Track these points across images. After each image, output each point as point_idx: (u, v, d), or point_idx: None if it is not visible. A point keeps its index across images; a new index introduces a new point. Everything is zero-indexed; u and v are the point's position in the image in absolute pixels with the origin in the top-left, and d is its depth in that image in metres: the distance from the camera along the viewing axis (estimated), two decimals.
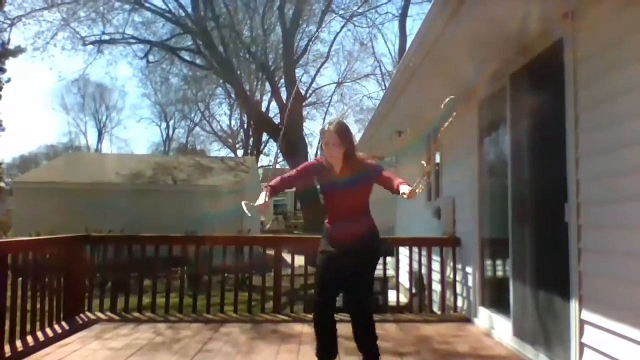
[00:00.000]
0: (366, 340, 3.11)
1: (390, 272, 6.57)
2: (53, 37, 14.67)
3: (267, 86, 19.54)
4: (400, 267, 5.55)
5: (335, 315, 3.16)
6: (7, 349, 3.59)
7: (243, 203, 3.03)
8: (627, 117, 2.53)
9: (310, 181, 3.38)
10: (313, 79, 21.92)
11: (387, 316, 4.92)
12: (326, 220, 3.31)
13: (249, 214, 3.09)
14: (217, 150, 35.54)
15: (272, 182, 3.19)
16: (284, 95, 16.46)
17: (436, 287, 5.33)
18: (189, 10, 15.08)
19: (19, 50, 16.34)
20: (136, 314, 4.99)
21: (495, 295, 4.45)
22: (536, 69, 3.58)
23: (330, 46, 19.65)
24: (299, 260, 5.61)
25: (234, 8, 15.67)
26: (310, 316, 4.90)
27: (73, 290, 4.73)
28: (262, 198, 2.96)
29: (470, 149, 4.88)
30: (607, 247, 2.69)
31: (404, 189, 2.84)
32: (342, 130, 3.16)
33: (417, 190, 2.79)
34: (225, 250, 5.25)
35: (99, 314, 4.93)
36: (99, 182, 15.22)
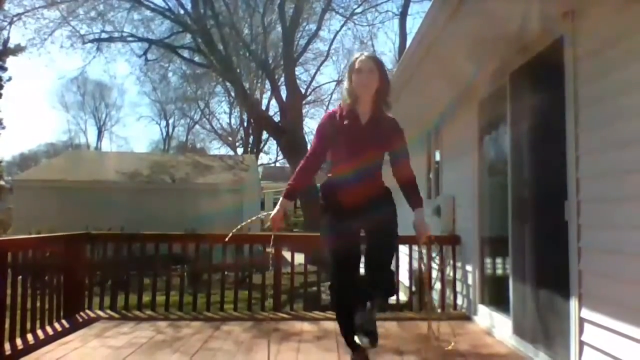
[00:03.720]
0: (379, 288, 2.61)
1: None
2: (51, 34, 14.65)
3: (267, 84, 19.53)
4: (399, 265, 5.55)
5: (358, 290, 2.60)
6: (7, 347, 3.59)
7: (261, 215, 2.87)
8: (628, 116, 2.54)
9: (328, 145, 2.74)
10: (313, 77, 21.93)
11: (387, 314, 4.92)
12: (329, 175, 2.76)
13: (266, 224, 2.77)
14: (217, 148, 35.60)
15: (291, 181, 2.70)
16: (283, 93, 16.46)
17: (436, 285, 5.34)
18: (189, 8, 15.09)
19: (19, 49, 16.35)
20: (136, 312, 4.99)
21: (495, 294, 4.46)
22: (536, 67, 3.58)
23: (330, 44, 19.63)
24: (299, 258, 5.61)
25: (234, 6, 15.65)
26: (311, 314, 4.93)
27: (73, 289, 4.74)
28: (276, 209, 2.61)
29: (470, 148, 4.88)
30: (607, 246, 2.69)
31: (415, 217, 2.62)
32: (377, 59, 2.65)
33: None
34: (225, 248, 5.25)
35: (99, 312, 4.93)
36: (98, 180, 15.23)
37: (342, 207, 2.62)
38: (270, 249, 4.91)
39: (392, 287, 2.75)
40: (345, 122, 2.61)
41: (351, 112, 2.61)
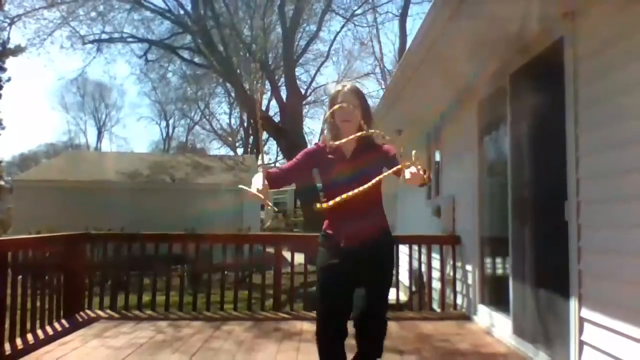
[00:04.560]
0: (371, 341, 2.42)
1: None
2: (51, 34, 14.66)
3: (267, 85, 19.54)
4: (400, 265, 5.56)
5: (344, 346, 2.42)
6: (7, 347, 3.59)
7: (240, 186, 2.55)
8: (628, 117, 2.54)
9: (311, 172, 2.64)
10: (313, 78, 21.92)
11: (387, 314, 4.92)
12: (326, 223, 2.58)
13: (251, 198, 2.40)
14: (217, 148, 35.60)
15: (271, 171, 2.52)
16: (283, 94, 16.47)
17: (436, 285, 5.34)
18: (189, 9, 15.09)
19: (19, 50, 16.36)
20: (136, 312, 4.99)
21: (495, 293, 4.46)
22: (536, 68, 3.58)
23: (330, 45, 19.65)
24: (299, 258, 5.61)
25: (234, 7, 15.66)
26: (311, 314, 4.93)
27: (73, 288, 4.74)
28: (257, 181, 2.38)
29: (470, 148, 4.88)
30: (607, 246, 2.70)
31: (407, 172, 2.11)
32: (359, 92, 2.51)
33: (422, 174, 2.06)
34: (225, 248, 5.26)
35: (99, 312, 4.93)
36: (98, 180, 15.23)
37: (336, 247, 2.45)
38: (271, 249, 4.88)
39: (382, 341, 2.47)
40: (331, 156, 2.50)
41: (335, 147, 2.45)
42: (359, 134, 2.36)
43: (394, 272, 2.67)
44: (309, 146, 2.73)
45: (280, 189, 2.84)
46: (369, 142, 2.48)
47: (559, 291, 3.13)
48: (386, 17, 22.67)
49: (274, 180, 2.50)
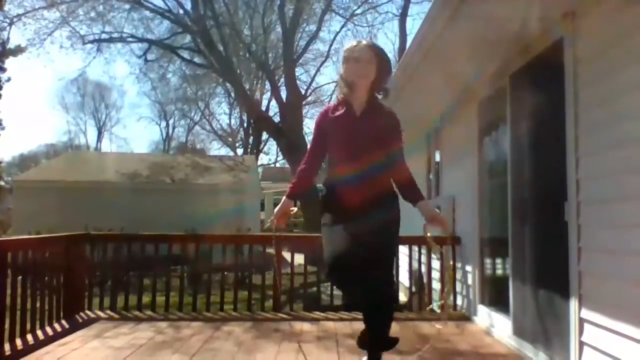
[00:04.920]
0: (379, 331, 2.55)
1: None
2: (51, 34, 14.66)
3: (267, 85, 19.56)
4: (399, 265, 5.56)
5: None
6: (7, 347, 3.59)
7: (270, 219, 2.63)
8: (628, 117, 2.54)
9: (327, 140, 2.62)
10: (313, 78, 21.91)
11: None
12: (328, 179, 2.57)
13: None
14: (217, 149, 35.56)
15: (292, 183, 2.59)
16: (283, 94, 16.46)
17: (436, 285, 5.34)
18: (189, 8, 15.09)
19: (19, 50, 16.34)
20: (136, 313, 4.99)
21: (495, 294, 4.46)
22: (536, 68, 3.58)
23: (330, 45, 19.61)
24: (299, 258, 5.61)
25: (234, 7, 15.66)
26: (311, 315, 4.93)
27: (73, 289, 4.74)
28: (278, 208, 2.50)
29: (470, 149, 4.88)
30: (607, 246, 2.70)
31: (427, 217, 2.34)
32: (375, 47, 2.46)
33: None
34: (225, 248, 5.26)
35: (99, 313, 4.93)
36: (98, 180, 15.23)
37: (341, 209, 2.46)
38: (271, 249, 4.90)
39: (392, 290, 2.55)
40: (339, 114, 2.46)
41: (345, 104, 2.45)
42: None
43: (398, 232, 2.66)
44: (310, 146, 2.73)
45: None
46: (380, 105, 2.46)
47: (559, 292, 3.13)
48: (386, 17, 22.65)
49: (301, 190, 2.59)
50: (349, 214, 2.43)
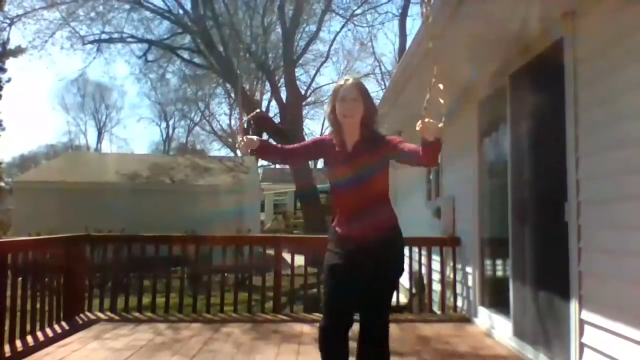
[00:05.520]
0: None
1: None
2: (52, 36, 14.68)
3: (267, 85, 19.56)
4: None
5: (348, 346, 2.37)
6: (7, 349, 3.59)
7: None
8: (627, 117, 2.53)
9: (311, 157, 2.83)
10: (313, 78, 21.93)
11: None
12: (334, 219, 2.54)
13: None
14: (217, 149, 35.64)
15: (274, 144, 2.59)
16: (283, 94, 16.47)
17: (436, 287, 5.33)
18: (189, 9, 15.10)
19: (19, 50, 16.35)
20: (136, 314, 4.99)
21: (495, 295, 4.45)
22: (536, 68, 3.57)
23: (330, 46, 19.66)
24: (299, 260, 5.61)
25: (234, 7, 15.66)
26: (311, 316, 4.92)
27: (73, 290, 4.73)
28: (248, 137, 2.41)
29: (470, 149, 4.87)
30: (607, 247, 2.69)
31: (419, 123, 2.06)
32: (362, 86, 2.46)
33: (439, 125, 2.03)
34: (225, 250, 5.25)
35: (99, 314, 4.93)
36: (98, 181, 15.23)
37: (342, 244, 2.41)
38: (271, 250, 4.87)
39: (386, 334, 2.43)
40: (335, 149, 2.45)
41: (338, 141, 2.44)
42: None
43: (404, 270, 2.60)
44: (300, 142, 2.72)
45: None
46: (373, 136, 2.43)
47: (560, 293, 3.12)
48: (386, 17, 22.67)
49: (266, 147, 2.52)
50: (350, 249, 2.38)
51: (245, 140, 2.43)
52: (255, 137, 2.47)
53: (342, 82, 2.49)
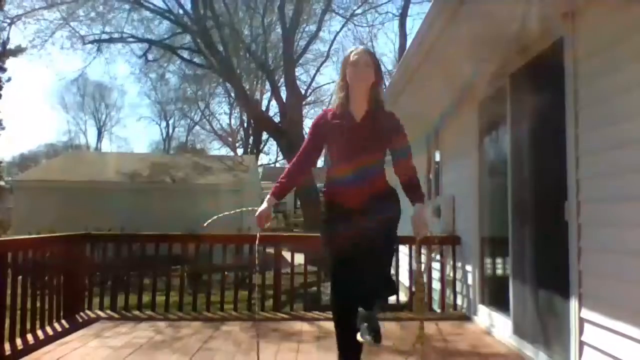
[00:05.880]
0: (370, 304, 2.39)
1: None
2: (52, 36, 14.69)
3: (267, 85, 19.56)
4: (399, 265, 5.55)
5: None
6: (7, 347, 3.59)
7: (244, 209, 2.77)
8: (627, 117, 2.54)
9: (320, 144, 2.66)
10: (313, 78, 21.99)
11: (387, 315, 4.92)
12: (329, 179, 2.60)
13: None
14: (217, 149, 35.61)
15: (279, 181, 2.60)
16: (283, 94, 16.47)
17: (436, 285, 5.34)
18: (189, 9, 15.09)
19: (19, 50, 16.37)
20: (136, 312, 4.99)
21: (495, 294, 4.46)
22: (536, 68, 3.58)
23: (330, 45, 19.68)
24: (299, 258, 5.61)
25: (234, 7, 15.67)
26: (310, 314, 4.93)
27: (73, 289, 4.74)
28: (262, 206, 2.51)
29: (471, 148, 4.88)
30: (607, 246, 2.70)
31: (416, 219, 2.41)
32: (373, 54, 2.54)
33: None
34: (225, 248, 5.26)
35: (99, 312, 4.93)
36: (98, 180, 15.23)
37: (341, 208, 2.50)
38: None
39: (392, 286, 2.59)
40: (339, 120, 2.49)
41: (344, 110, 2.49)
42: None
43: (393, 268, 2.70)
44: (303, 145, 2.74)
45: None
46: (379, 106, 2.50)
47: (559, 291, 3.13)
48: (386, 17, 22.68)
49: (287, 188, 2.60)
50: (349, 213, 2.46)
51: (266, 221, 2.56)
52: (267, 206, 2.54)
53: (352, 49, 2.58)
